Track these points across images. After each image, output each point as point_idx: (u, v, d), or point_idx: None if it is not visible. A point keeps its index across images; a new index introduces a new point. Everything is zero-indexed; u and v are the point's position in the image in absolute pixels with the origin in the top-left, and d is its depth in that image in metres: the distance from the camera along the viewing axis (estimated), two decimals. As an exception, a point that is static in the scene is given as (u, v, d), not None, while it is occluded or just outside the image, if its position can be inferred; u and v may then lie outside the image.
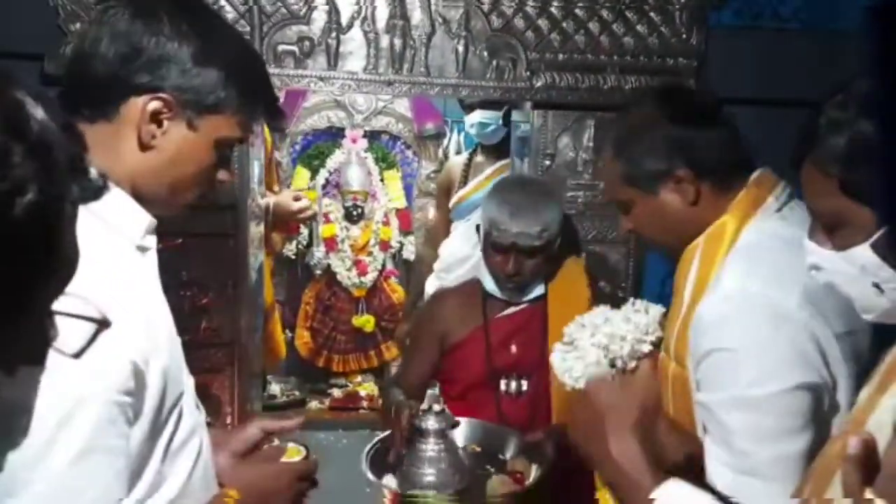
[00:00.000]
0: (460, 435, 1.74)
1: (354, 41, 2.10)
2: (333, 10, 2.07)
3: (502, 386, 1.88)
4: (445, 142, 3.86)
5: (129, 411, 0.89)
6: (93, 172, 0.62)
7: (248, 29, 2.03)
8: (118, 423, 0.87)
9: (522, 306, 1.92)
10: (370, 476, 1.62)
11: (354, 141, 3.73)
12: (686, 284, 1.29)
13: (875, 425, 0.85)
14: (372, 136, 3.77)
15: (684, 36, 2.15)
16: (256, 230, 2.35)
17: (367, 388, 3.73)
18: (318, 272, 3.79)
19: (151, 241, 1.04)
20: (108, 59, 0.97)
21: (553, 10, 2.12)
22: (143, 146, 1.00)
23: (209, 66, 1.00)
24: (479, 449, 1.75)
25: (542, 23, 2.13)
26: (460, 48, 2.12)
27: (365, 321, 3.77)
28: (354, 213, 3.74)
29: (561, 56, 2.14)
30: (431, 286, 3.07)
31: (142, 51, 0.97)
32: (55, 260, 0.60)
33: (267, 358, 3.01)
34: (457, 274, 2.81)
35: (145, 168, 1.00)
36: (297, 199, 2.95)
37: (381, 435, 1.74)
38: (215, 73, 1.01)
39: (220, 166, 1.08)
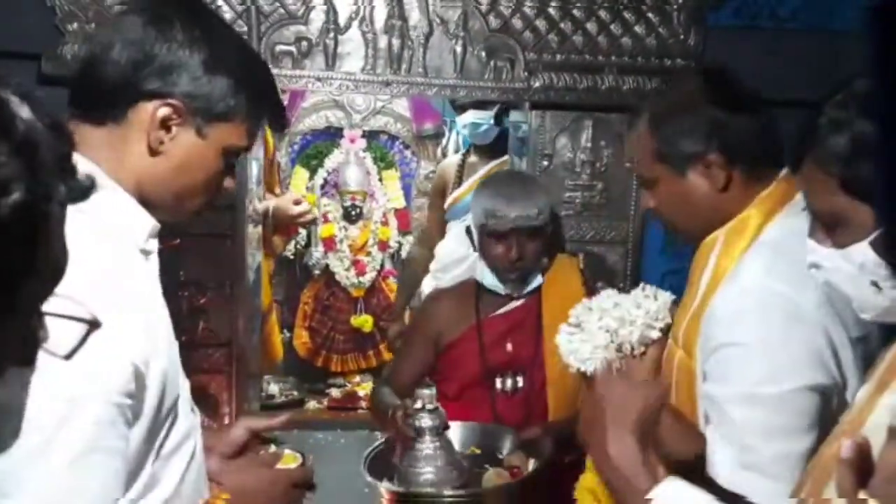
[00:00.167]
0: (457, 439, 1.74)
1: (352, 41, 2.10)
2: (331, 11, 2.07)
3: (497, 384, 1.89)
4: (444, 141, 3.85)
5: (128, 413, 0.89)
6: (80, 172, 0.62)
7: (245, 29, 2.03)
8: (118, 425, 0.87)
9: (517, 304, 1.93)
10: (369, 479, 1.62)
11: (353, 141, 3.73)
12: (702, 275, 1.27)
13: (872, 427, 0.85)
14: (370, 135, 3.77)
15: (682, 36, 2.15)
16: (254, 230, 2.35)
17: (365, 387, 3.73)
18: (317, 272, 3.79)
19: (153, 244, 1.05)
20: (119, 64, 0.98)
21: (551, 10, 2.12)
22: (152, 151, 1.00)
23: (219, 74, 1.01)
24: (479, 451, 1.75)
25: (540, 23, 2.13)
26: (458, 49, 2.12)
27: (363, 321, 3.77)
28: (353, 212, 3.74)
29: (559, 56, 2.14)
30: (428, 286, 3.08)
31: (154, 57, 0.98)
32: (42, 260, 0.60)
33: (263, 360, 3.01)
34: (453, 274, 2.81)
35: (152, 173, 1.01)
36: (297, 202, 2.96)
37: (381, 438, 1.75)
38: (225, 81, 1.01)
39: (227, 174, 1.09)
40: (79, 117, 1.00)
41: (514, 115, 2.41)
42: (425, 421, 1.61)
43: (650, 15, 2.14)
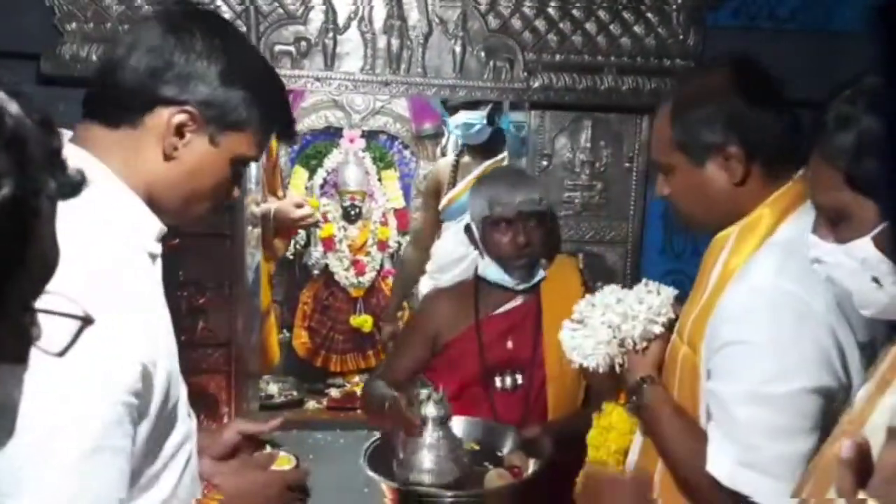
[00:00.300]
0: (457, 433, 1.74)
1: (351, 41, 2.10)
2: (330, 11, 2.07)
3: (497, 383, 1.89)
4: (443, 141, 3.85)
5: (134, 413, 0.90)
6: (71, 168, 0.62)
7: (244, 29, 2.03)
8: (124, 424, 0.88)
9: (516, 304, 1.93)
10: (369, 473, 1.62)
11: (352, 141, 3.73)
12: (712, 271, 1.26)
13: (872, 427, 0.85)
14: (370, 135, 3.77)
15: (681, 37, 2.15)
16: (253, 231, 2.35)
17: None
18: (316, 272, 3.79)
19: (158, 248, 1.06)
20: (138, 70, 1.00)
21: (550, 10, 2.12)
22: (165, 156, 1.03)
23: (235, 85, 1.03)
24: (477, 447, 1.75)
25: (540, 23, 2.13)
26: (457, 49, 2.12)
27: (363, 321, 3.77)
28: (352, 212, 3.74)
29: (558, 57, 2.14)
30: (425, 287, 3.08)
31: (172, 65, 1.00)
32: (32, 256, 0.59)
33: (259, 363, 3.01)
34: (453, 273, 2.80)
35: (163, 177, 1.03)
36: (299, 205, 2.96)
37: (380, 433, 1.75)
38: (240, 92, 1.04)
39: (234, 182, 1.12)
40: (93, 119, 1.02)
41: (513, 116, 2.42)
42: (430, 410, 1.61)
43: (649, 15, 2.14)
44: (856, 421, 0.93)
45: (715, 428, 1.16)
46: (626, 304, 1.37)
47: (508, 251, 1.86)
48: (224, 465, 1.25)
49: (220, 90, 1.02)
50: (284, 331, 3.72)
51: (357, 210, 3.74)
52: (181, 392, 1.04)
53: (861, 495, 0.61)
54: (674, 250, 2.31)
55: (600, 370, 1.37)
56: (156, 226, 1.04)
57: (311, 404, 3.68)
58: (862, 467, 0.63)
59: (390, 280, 3.85)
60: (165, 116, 1.01)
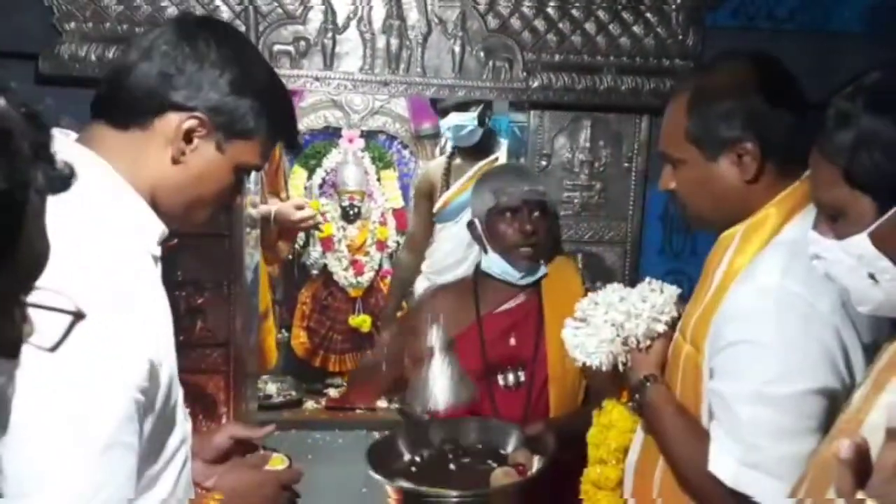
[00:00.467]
0: (460, 433, 1.75)
1: (350, 41, 2.10)
2: (329, 10, 2.07)
3: (500, 380, 1.89)
4: (442, 141, 3.85)
5: (141, 410, 0.91)
6: (59, 161, 0.62)
7: (243, 29, 2.02)
8: (134, 420, 0.89)
9: (517, 302, 1.93)
10: (376, 476, 1.61)
11: (351, 141, 3.73)
12: (716, 270, 1.25)
13: (870, 427, 0.86)
14: (369, 135, 3.76)
15: (680, 37, 2.15)
16: (252, 231, 2.35)
17: (363, 388, 3.73)
18: (315, 272, 3.79)
19: (159, 250, 1.07)
20: (151, 76, 1.02)
21: (549, 10, 2.12)
22: (173, 160, 1.04)
23: (245, 95, 1.06)
24: (480, 446, 1.75)
25: (539, 23, 2.13)
26: (457, 49, 2.12)
27: (361, 321, 3.76)
28: (351, 212, 3.74)
29: (557, 57, 2.14)
30: (422, 287, 3.08)
31: (184, 72, 1.03)
32: (21, 250, 0.59)
33: (256, 365, 3.01)
34: (454, 274, 2.81)
35: (168, 181, 1.05)
36: (299, 207, 2.96)
37: (379, 436, 1.75)
38: (249, 102, 1.06)
39: (236, 189, 1.14)
40: (102, 120, 1.04)
41: (513, 116, 2.42)
42: (433, 338, 1.65)
43: (648, 15, 2.14)
44: (853, 420, 0.93)
45: (717, 427, 1.16)
46: (630, 302, 1.37)
47: (515, 239, 1.88)
48: (217, 467, 1.27)
49: (229, 98, 1.05)
50: (283, 331, 3.71)
51: (356, 210, 3.74)
52: (179, 394, 1.04)
53: (860, 495, 0.61)
54: (673, 250, 2.31)
55: (603, 368, 1.37)
56: (158, 228, 1.05)
57: (310, 404, 3.67)
58: (861, 467, 0.63)
59: (389, 280, 3.86)
60: (176, 121, 1.03)
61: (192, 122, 1.03)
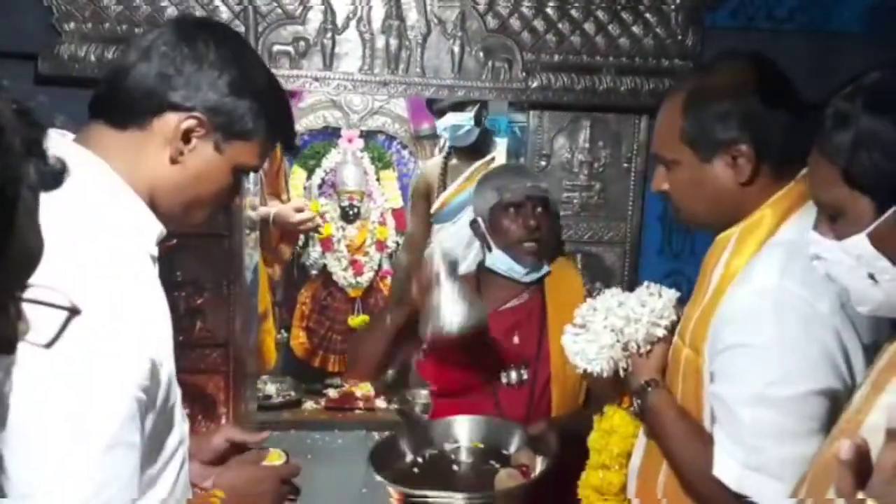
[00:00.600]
0: (463, 432, 1.75)
1: (350, 42, 2.10)
2: (329, 11, 2.07)
3: (503, 378, 1.89)
4: (441, 141, 3.85)
5: (143, 408, 0.91)
6: (51, 157, 0.62)
7: (242, 29, 2.03)
8: (136, 419, 0.90)
9: (519, 301, 1.93)
10: (378, 478, 1.61)
11: (350, 141, 3.73)
12: (713, 273, 1.25)
13: (870, 427, 0.86)
14: (368, 135, 3.76)
15: (680, 37, 2.15)
16: (252, 233, 2.35)
17: (362, 388, 3.72)
18: (314, 272, 3.79)
19: (156, 250, 1.07)
20: (149, 76, 1.03)
21: (549, 10, 2.12)
22: (171, 160, 1.05)
23: (243, 96, 1.06)
24: (481, 445, 1.75)
25: (538, 24, 2.13)
26: (456, 49, 2.12)
27: (361, 321, 3.76)
28: (350, 212, 3.73)
29: (557, 57, 2.14)
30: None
31: (183, 72, 1.04)
32: (11, 246, 0.59)
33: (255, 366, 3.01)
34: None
35: (166, 181, 1.05)
36: (299, 210, 2.96)
37: (378, 438, 1.74)
38: (248, 103, 1.07)
39: (234, 190, 1.14)
40: (100, 120, 1.04)
41: (512, 116, 2.42)
42: (438, 260, 1.64)
43: (648, 15, 2.14)
44: (853, 420, 0.93)
45: (720, 431, 1.15)
46: (629, 307, 1.37)
47: (519, 234, 1.88)
48: (214, 469, 1.27)
49: (228, 99, 1.05)
50: (282, 331, 3.71)
51: (355, 210, 3.74)
52: (178, 394, 1.05)
53: (860, 496, 0.61)
54: (672, 251, 2.31)
55: (604, 374, 1.37)
56: (157, 228, 1.05)
57: (309, 404, 3.66)
58: (861, 468, 0.63)
59: (388, 280, 3.85)
60: (174, 121, 1.03)
61: (190, 123, 1.03)
